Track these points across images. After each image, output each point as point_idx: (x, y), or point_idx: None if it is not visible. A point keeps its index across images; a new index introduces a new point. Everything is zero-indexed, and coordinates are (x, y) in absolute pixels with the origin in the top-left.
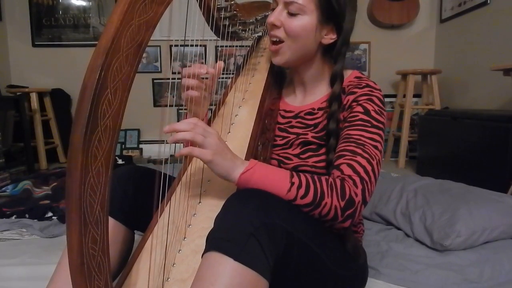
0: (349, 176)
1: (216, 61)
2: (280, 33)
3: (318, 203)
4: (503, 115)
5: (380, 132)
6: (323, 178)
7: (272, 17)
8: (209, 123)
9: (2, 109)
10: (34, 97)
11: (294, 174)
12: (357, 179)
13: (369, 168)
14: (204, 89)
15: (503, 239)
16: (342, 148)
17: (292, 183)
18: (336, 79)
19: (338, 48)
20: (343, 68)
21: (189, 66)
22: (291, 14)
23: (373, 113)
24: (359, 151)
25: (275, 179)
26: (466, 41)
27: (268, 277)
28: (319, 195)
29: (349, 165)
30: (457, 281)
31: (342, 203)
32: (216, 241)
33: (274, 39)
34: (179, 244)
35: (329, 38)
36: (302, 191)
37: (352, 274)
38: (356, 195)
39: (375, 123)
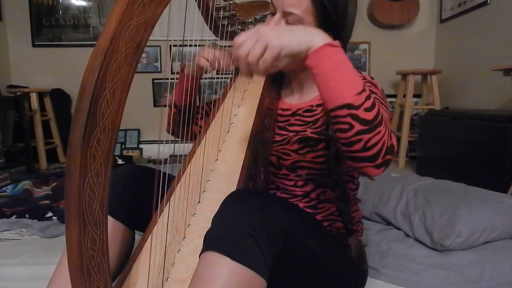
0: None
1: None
2: None
3: (375, 126)
4: (503, 115)
5: (388, 113)
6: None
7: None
8: (208, 123)
9: (2, 109)
10: (34, 97)
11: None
12: (391, 131)
13: (390, 131)
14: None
15: (503, 239)
16: None
17: (364, 90)
18: None
19: None
20: None
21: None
22: (289, 25)
23: (379, 95)
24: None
25: (353, 73)
26: (466, 41)
27: (266, 277)
28: (379, 118)
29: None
30: (457, 281)
31: (389, 143)
32: (214, 241)
33: None
34: (178, 244)
35: None
36: (368, 104)
37: (352, 274)
38: (394, 146)
39: (384, 102)
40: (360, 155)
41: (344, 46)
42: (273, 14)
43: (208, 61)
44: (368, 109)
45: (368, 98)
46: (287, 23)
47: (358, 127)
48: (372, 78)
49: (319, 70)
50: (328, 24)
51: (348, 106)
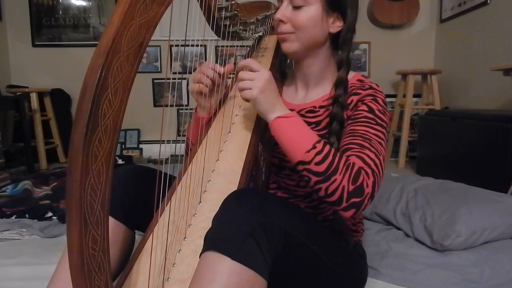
0: (361, 168)
1: (216, 61)
2: (287, 28)
3: (328, 176)
4: (503, 115)
5: (384, 130)
6: (344, 156)
7: (279, 14)
8: (209, 123)
9: (2, 109)
10: (34, 97)
11: (322, 140)
12: (369, 171)
13: (377, 162)
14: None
15: (503, 239)
16: (348, 141)
17: (314, 147)
18: (342, 64)
19: (343, 35)
20: (349, 55)
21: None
22: (296, 8)
23: (377, 112)
24: (366, 144)
25: (302, 136)
26: (466, 41)
27: (266, 277)
28: (332, 168)
29: (359, 157)
30: (457, 281)
31: (351, 187)
32: (214, 241)
33: (283, 34)
34: (179, 244)
35: (336, 26)
36: (318, 158)
37: (352, 274)
38: (367, 185)
39: (379, 121)
40: (327, 200)
41: (352, 25)
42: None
43: (205, 85)
44: (318, 163)
45: (318, 153)
46: (294, 7)
47: (314, 178)
48: (377, 86)
49: (275, 138)
50: (334, 1)
51: (301, 162)
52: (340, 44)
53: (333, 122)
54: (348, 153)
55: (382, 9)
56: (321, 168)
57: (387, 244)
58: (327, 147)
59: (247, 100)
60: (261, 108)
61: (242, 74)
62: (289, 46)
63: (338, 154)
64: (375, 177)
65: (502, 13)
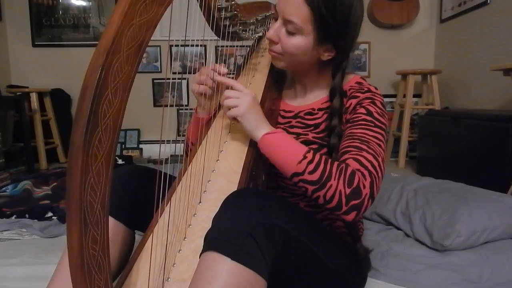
0: (357, 170)
1: (217, 61)
2: (277, 48)
3: (324, 183)
4: (503, 115)
5: (383, 132)
6: (336, 162)
7: (271, 32)
8: (209, 123)
9: (2, 109)
10: (34, 97)
11: (312, 150)
12: (366, 172)
13: (375, 163)
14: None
15: (503, 239)
16: (347, 145)
17: (305, 157)
18: (335, 93)
19: (337, 64)
20: (342, 82)
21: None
22: (289, 32)
23: (375, 115)
24: (364, 147)
25: (291, 149)
26: (466, 41)
27: (266, 277)
28: (326, 175)
29: (356, 160)
30: (457, 281)
31: (348, 190)
32: (214, 241)
33: (273, 53)
34: (179, 244)
35: (327, 55)
36: (311, 167)
37: (352, 274)
38: (364, 186)
39: (377, 123)
40: (328, 207)
41: (346, 56)
42: (276, 19)
43: (205, 84)
44: (311, 172)
45: (310, 162)
46: (287, 31)
47: (310, 187)
48: (376, 88)
49: (266, 154)
50: (326, 33)
51: (295, 174)
52: (333, 73)
53: (331, 136)
54: (346, 156)
55: (382, 9)
56: (315, 176)
57: (387, 244)
58: (318, 155)
59: (234, 119)
60: (249, 125)
61: (227, 93)
62: (277, 64)
63: (330, 160)
64: (373, 178)
65: (502, 13)
